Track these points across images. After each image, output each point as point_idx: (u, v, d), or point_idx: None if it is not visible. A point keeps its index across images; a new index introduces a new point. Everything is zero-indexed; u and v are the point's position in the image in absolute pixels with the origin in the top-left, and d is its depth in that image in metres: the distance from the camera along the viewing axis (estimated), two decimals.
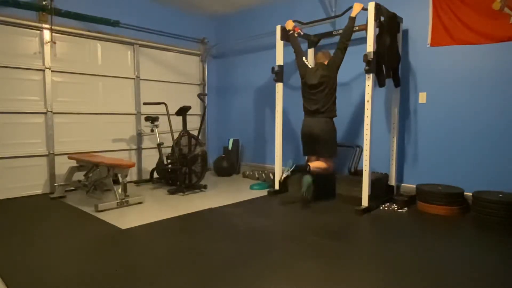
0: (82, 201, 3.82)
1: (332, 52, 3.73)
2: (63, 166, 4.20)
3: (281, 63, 4.21)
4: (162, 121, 4.67)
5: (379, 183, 3.75)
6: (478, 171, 3.47)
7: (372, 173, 3.61)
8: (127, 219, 3.19)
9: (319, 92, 3.67)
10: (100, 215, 3.27)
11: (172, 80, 5.48)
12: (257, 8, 5.33)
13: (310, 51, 4.50)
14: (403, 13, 3.78)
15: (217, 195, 4.16)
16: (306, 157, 4.00)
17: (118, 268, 2.19)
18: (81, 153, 4.32)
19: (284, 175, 3.62)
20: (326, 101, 3.64)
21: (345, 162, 4.19)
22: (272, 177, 4.59)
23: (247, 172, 5.40)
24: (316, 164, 3.68)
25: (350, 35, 3.55)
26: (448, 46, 3.60)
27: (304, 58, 3.87)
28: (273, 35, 4.32)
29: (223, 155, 5.60)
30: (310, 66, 3.80)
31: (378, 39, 3.45)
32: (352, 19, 3.51)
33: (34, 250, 2.47)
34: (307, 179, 3.50)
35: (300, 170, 3.58)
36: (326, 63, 3.69)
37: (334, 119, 3.73)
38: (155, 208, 3.61)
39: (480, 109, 3.45)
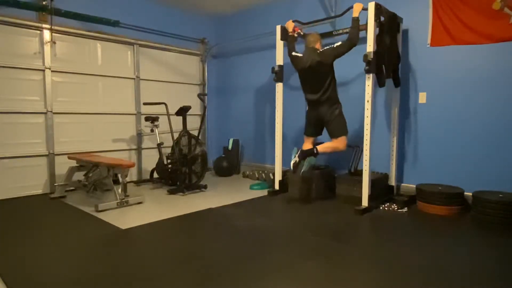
0: (82, 201, 3.82)
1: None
2: (63, 166, 4.20)
3: (281, 63, 4.20)
4: (162, 121, 4.67)
5: (379, 183, 3.75)
6: (478, 171, 3.47)
7: (372, 173, 3.61)
8: (127, 219, 3.19)
9: (313, 77, 3.53)
10: (100, 215, 3.27)
11: (172, 80, 5.48)
12: (257, 8, 5.33)
13: None
14: (403, 13, 3.77)
15: (217, 195, 4.16)
16: (305, 137, 3.86)
17: (118, 268, 2.19)
18: (81, 153, 4.32)
19: (292, 162, 3.53)
20: (324, 87, 3.50)
21: (345, 162, 4.19)
22: (272, 177, 4.58)
23: (247, 172, 5.40)
24: (325, 145, 3.62)
25: (357, 35, 3.40)
26: (448, 46, 3.60)
27: (293, 52, 3.77)
28: (273, 35, 4.32)
29: (223, 155, 5.60)
30: (301, 55, 3.67)
31: (378, 39, 3.45)
32: (355, 20, 3.38)
33: (34, 250, 2.46)
34: (312, 160, 3.56)
35: (308, 155, 3.53)
36: (318, 47, 3.58)
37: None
38: (155, 208, 3.61)
39: (480, 109, 3.45)
